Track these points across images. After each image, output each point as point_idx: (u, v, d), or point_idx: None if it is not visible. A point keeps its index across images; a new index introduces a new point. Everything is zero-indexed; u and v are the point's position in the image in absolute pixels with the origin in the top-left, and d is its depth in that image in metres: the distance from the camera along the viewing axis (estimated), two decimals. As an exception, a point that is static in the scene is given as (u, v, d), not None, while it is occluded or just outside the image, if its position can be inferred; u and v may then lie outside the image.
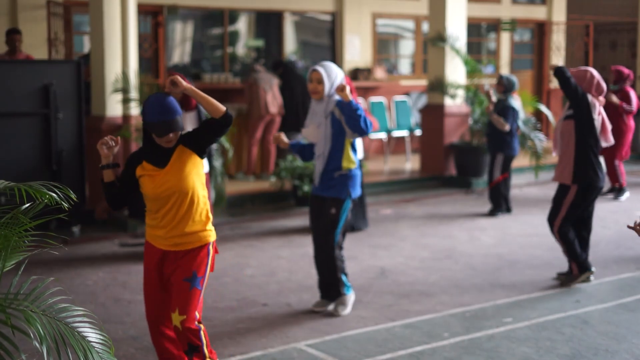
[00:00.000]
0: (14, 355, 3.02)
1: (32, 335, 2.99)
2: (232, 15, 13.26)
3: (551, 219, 6.75)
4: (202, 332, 4.22)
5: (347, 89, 5.61)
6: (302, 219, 9.29)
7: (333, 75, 5.80)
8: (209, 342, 4.31)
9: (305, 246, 8.05)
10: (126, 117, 9.27)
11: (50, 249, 3.48)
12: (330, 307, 6.06)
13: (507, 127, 9.33)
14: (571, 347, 5.30)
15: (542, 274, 7.15)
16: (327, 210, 5.85)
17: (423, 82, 13.58)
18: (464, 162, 11.75)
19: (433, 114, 12.05)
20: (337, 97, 5.77)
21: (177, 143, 4.16)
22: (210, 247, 4.28)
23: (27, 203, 3.21)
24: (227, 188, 9.41)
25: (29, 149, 8.55)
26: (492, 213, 9.71)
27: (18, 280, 3.27)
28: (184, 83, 4.10)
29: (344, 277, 6.01)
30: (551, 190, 10.63)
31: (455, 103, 11.97)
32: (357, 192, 5.95)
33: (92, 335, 3.15)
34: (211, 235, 4.29)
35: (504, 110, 9.38)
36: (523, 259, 7.72)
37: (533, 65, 16.53)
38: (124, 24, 9.24)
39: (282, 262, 7.65)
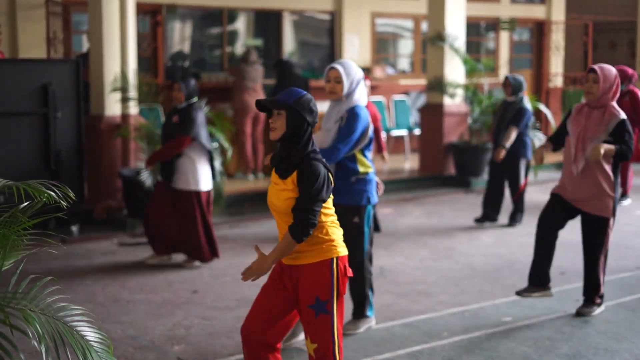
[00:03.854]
0: (13, 354, 3.01)
1: (30, 334, 2.98)
2: (231, 15, 13.25)
3: (596, 260, 5.88)
4: None
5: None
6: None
7: (352, 74, 5.23)
8: None
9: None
10: (125, 117, 9.27)
11: (49, 247, 3.47)
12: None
13: (514, 134, 8.78)
14: (571, 347, 5.30)
15: (542, 274, 7.14)
16: (349, 220, 5.29)
17: (422, 82, 13.58)
18: (463, 162, 11.75)
19: (432, 114, 12.05)
20: (353, 102, 5.24)
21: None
22: (334, 264, 3.82)
23: (26, 202, 3.20)
24: (226, 187, 9.40)
25: (27, 148, 8.54)
26: (512, 223, 9.23)
27: (16, 279, 3.25)
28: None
29: (370, 294, 5.55)
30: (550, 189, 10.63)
31: (454, 102, 11.96)
32: (375, 198, 5.42)
33: (91, 335, 3.15)
34: (333, 250, 3.84)
35: (519, 112, 8.82)
36: (523, 259, 7.71)
37: (532, 65, 16.52)
38: (123, 23, 9.24)
39: (281, 261, 7.63)
